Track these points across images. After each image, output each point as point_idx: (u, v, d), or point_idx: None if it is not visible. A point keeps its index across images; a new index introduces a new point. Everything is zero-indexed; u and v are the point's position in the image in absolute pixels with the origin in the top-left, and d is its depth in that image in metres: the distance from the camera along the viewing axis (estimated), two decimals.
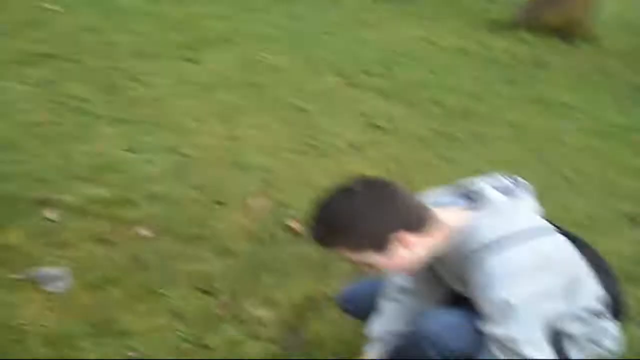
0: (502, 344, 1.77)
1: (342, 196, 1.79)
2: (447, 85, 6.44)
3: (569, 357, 1.93)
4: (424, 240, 1.81)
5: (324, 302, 2.68)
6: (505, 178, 1.97)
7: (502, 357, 1.77)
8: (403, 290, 2.18)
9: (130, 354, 2.32)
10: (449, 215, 1.87)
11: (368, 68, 6.57)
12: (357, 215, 1.75)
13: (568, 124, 5.79)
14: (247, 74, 5.77)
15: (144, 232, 3.13)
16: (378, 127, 5.01)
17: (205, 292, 2.73)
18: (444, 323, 1.90)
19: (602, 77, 7.79)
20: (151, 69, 5.48)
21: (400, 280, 2.18)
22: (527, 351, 1.75)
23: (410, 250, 1.80)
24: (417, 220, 1.80)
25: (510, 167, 4.40)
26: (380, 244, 1.78)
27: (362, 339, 2.40)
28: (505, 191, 1.91)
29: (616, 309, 2.02)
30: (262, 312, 2.64)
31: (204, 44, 6.51)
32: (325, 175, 3.88)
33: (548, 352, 1.81)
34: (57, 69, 5.16)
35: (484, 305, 1.79)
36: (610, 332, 1.95)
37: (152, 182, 3.61)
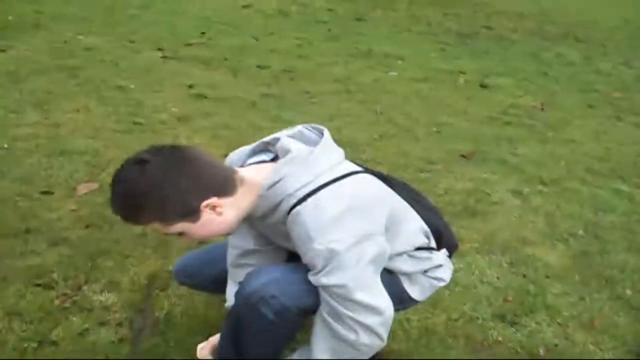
0: (332, 292, 1.71)
1: (133, 169, 1.66)
2: (271, 49, 6.48)
3: (411, 295, 1.98)
4: (233, 202, 1.75)
5: (170, 279, 2.62)
6: (305, 127, 1.92)
7: (337, 306, 1.72)
8: (247, 253, 2.12)
9: None
10: (253, 172, 1.81)
11: (188, 39, 6.49)
12: (154, 187, 1.64)
13: (393, 73, 5.98)
14: (59, 58, 5.51)
15: None
16: (204, 97, 4.95)
17: (43, 286, 2.58)
18: (268, 277, 1.81)
19: (424, 27, 8.10)
20: None
21: (241, 243, 2.12)
22: (359, 296, 1.70)
23: (222, 214, 1.74)
24: (223, 183, 1.73)
25: (341, 121, 4.58)
26: (188, 213, 1.70)
27: (215, 311, 2.39)
28: (304, 139, 1.87)
29: (443, 240, 2.04)
30: (107, 297, 2.54)
31: (10, 30, 6.15)
32: None
33: (382, 294, 1.77)
34: None
35: (309, 257, 1.71)
36: (440, 263, 2.00)
37: None
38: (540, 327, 2.56)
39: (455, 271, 2.21)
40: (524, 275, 2.89)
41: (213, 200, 1.70)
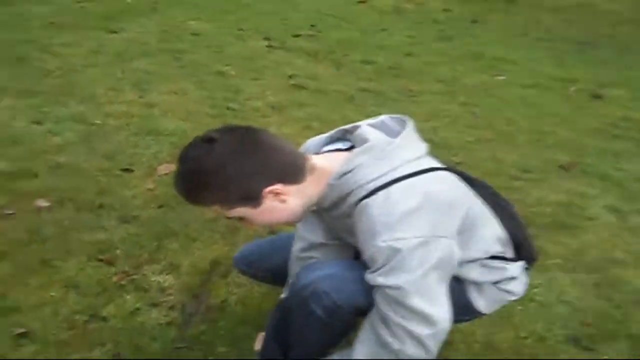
0: (386, 294, 1.57)
1: (201, 146, 1.58)
2: (378, 45, 6.34)
3: (476, 306, 1.81)
4: (299, 190, 1.64)
5: (232, 266, 2.54)
6: (388, 117, 1.78)
7: (387, 310, 1.58)
8: (312, 246, 2.00)
9: (17, 330, 2.16)
10: (326, 160, 1.69)
11: (296, 31, 6.44)
12: (218, 166, 1.56)
13: (501, 77, 5.71)
14: (167, 42, 5.59)
15: (44, 203, 2.95)
16: (302, 87, 4.87)
17: (105, 261, 2.57)
18: (324, 272, 1.71)
19: (541, 33, 7.73)
20: (66, 40, 5.27)
21: (308, 235, 2.01)
22: (414, 302, 1.56)
23: (285, 202, 1.64)
24: (291, 170, 1.63)
25: (439, 122, 4.39)
26: (251, 198, 1.61)
27: (271, 304, 2.28)
28: (385, 130, 1.73)
29: (521, 251, 1.84)
30: (165, 279, 2.50)
31: (125, 14, 6.35)
32: None
33: (442, 304, 1.61)
34: None
35: (369, 254, 1.58)
36: (514, 276, 1.81)
37: (56, 152, 3.44)
38: (619, 357, 2.30)
39: (532, 286, 2.02)
40: (609, 299, 2.61)
41: (277, 186, 1.60)
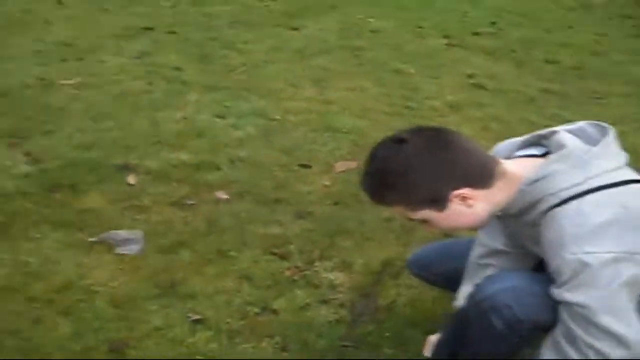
0: (573, 311, 1.48)
1: (391, 147, 1.57)
2: (562, 43, 6.02)
3: None
4: (487, 195, 1.58)
5: (404, 268, 2.48)
6: (587, 124, 1.66)
7: (576, 328, 1.48)
8: (493, 252, 1.91)
9: (193, 316, 2.22)
10: (518, 165, 1.61)
11: (476, 28, 6.26)
12: (407, 167, 1.53)
13: None
14: (347, 39, 5.62)
15: (223, 195, 3.04)
16: (481, 87, 4.72)
17: (278, 255, 2.59)
18: (507, 284, 1.62)
19: None
20: (249, 37, 5.45)
21: (489, 241, 1.91)
22: (605, 321, 1.45)
23: (472, 207, 1.58)
24: (480, 174, 1.56)
25: (628, 126, 4.08)
26: (437, 201, 1.57)
27: (441, 308, 2.22)
28: (584, 137, 1.61)
29: None
30: (336, 276, 2.48)
31: (306, 11, 6.45)
32: None
33: (634, 324, 1.48)
34: (154, 41, 5.22)
35: (555, 266, 1.51)
36: None
37: (238, 146, 3.53)
38: None
39: None
40: None
41: (465, 190, 1.55)
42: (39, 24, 5.58)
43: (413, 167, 1.54)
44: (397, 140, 1.57)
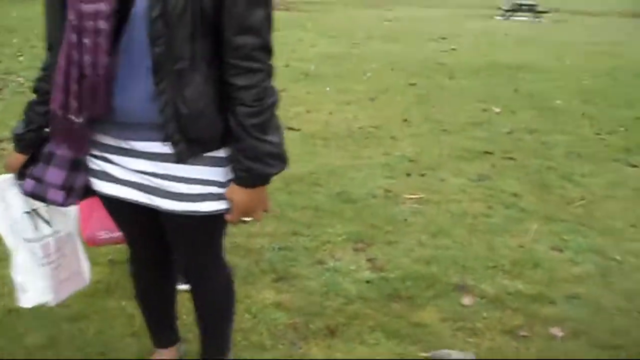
0: None
1: None
2: None
3: None
4: None
5: None
6: None
7: None
8: None
9: None
10: None
11: None
12: None
13: None
14: None
15: (558, 332, 3.01)
16: None
17: None
18: None
19: None
20: (586, 170, 5.39)
21: None
22: None
23: None
24: None
25: None
26: None
27: None
28: None
29: None
30: None
31: None
32: None
33: None
34: (492, 165, 5.39)
35: None
36: None
37: (574, 282, 3.48)
38: None
39: None
40: None
41: None
42: (387, 139, 6.09)
43: None
44: None
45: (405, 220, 4.20)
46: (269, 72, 1.76)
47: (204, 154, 1.84)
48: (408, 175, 5.07)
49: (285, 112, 6.82)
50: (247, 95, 1.73)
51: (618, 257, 3.79)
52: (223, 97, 1.77)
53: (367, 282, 3.40)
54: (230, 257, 3.53)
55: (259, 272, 3.46)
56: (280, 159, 1.85)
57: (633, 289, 3.44)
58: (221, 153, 1.87)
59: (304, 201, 4.44)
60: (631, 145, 6.28)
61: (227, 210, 1.91)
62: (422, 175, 5.08)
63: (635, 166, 5.63)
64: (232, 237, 3.77)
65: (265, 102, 1.76)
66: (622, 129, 6.90)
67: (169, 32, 1.64)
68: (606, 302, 3.29)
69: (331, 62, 10.55)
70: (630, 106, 8.08)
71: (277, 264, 3.54)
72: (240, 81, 1.73)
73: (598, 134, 6.68)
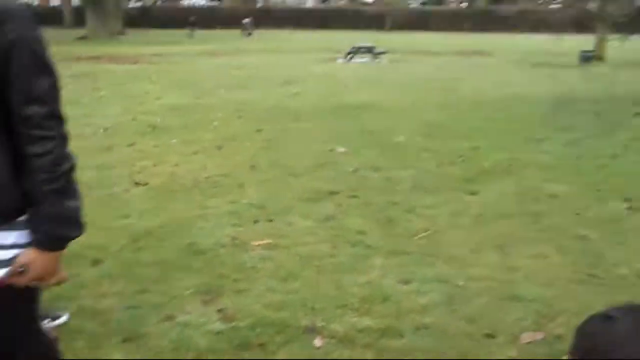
0: None
1: (597, 324, 1.53)
2: None
3: None
4: None
5: None
6: None
7: None
8: None
9: None
10: None
11: None
12: (615, 346, 1.52)
13: None
14: (525, 204, 5.62)
15: None
16: None
17: None
18: None
19: None
20: (429, 202, 5.60)
21: None
22: None
23: None
24: None
25: None
26: None
27: None
28: None
29: None
30: None
31: (482, 175, 6.56)
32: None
33: None
34: (339, 204, 5.48)
35: None
36: None
37: (422, 312, 3.57)
38: None
39: None
40: None
41: None
42: (234, 187, 6.07)
43: (622, 346, 1.48)
44: (605, 318, 1.51)
45: (254, 267, 4.17)
46: (62, 138, 1.80)
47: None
48: (256, 221, 5.06)
49: (131, 167, 6.74)
50: (43, 162, 1.76)
51: (461, 283, 3.94)
52: (19, 166, 1.78)
53: (218, 333, 3.35)
54: (77, 321, 3.41)
55: (106, 333, 3.32)
56: (78, 224, 1.88)
57: (476, 312, 3.57)
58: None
59: (152, 256, 4.33)
60: (470, 174, 6.60)
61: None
62: (270, 220, 5.09)
63: (474, 194, 5.91)
64: (79, 300, 3.65)
65: (62, 167, 1.80)
66: (460, 159, 7.24)
67: None
68: (452, 329, 3.40)
69: (178, 114, 10.45)
70: (466, 138, 8.54)
71: (126, 324, 3.42)
72: (34, 149, 1.76)
73: (439, 166, 6.97)
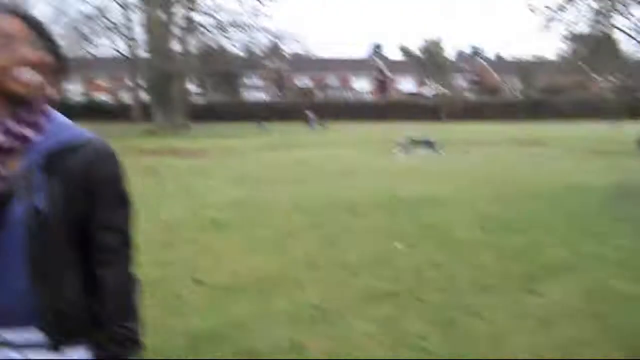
0: None
1: None
2: None
3: None
4: None
5: None
6: None
7: None
8: None
9: None
10: None
11: None
12: None
13: None
14: (592, 304, 5.43)
15: None
16: None
17: None
18: None
19: None
20: (490, 302, 5.47)
21: None
22: None
23: None
24: None
25: None
26: None
27: None
28: None
29: None
30: None
31: (545, 272, 6.41)
32: None
33: None
34: (398, 305, 5.40)
35: None
36: None
37: None
38: None
39: None
40: None
41: None
42: (292, 286, 6.05)
43: None
44: None
45: None
46: (131, 263, 1.94)
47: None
48: (314, 323, 5.01)
49: (192, 264, 6.79)
50: (112, 285, 1.90)
51: None
52: (89, 286, 1.89)
53: None
54: None
55: None
56: (137, 345, 1.96)
57: None
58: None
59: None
60: (531, 270, 6.46)
61: None
62: (329, 322, 5.03)
63: (536, 293, 5.75)
64: None
65: (128, 290, 1.94)
66: (520, 254, 7.11)
67: (45, 236, 1.79)
68: None
69: (238, 208, 10.57)
70: (525, 231, 8.40)
71: None
72: (105, 272, 1.89)
73: (499, 260, 6.85)
